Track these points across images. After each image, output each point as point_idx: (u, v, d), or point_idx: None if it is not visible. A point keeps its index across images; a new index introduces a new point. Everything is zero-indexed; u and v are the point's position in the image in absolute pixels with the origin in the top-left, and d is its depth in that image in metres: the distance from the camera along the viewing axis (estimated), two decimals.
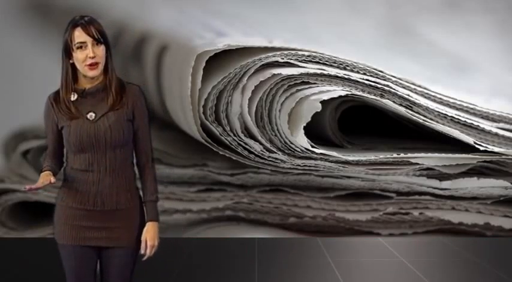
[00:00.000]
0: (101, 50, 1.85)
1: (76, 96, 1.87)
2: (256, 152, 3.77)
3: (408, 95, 3.84)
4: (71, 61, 1.86)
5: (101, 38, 1.85)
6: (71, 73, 1.87)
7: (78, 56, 1.84)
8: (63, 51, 1.86)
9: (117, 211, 1.91)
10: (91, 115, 1.86)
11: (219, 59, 3.64)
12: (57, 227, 1.92)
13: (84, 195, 1.88)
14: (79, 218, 1.88)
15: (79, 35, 1.84)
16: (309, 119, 3.62)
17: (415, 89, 3.91)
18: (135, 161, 1.98)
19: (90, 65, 1.83)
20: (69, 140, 1.86)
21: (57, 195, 1.94)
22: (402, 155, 3.86)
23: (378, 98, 3.78)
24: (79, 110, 1.86)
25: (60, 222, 1.91)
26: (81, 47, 1.83)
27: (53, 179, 1.81)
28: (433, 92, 3.94)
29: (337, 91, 3.71)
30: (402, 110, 3.82)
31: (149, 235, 1.93)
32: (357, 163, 3.86)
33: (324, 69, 3.72)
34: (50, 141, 1.92)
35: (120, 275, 1.94)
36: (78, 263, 1.90)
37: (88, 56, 1.83)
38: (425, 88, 3.93)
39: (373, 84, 3.79)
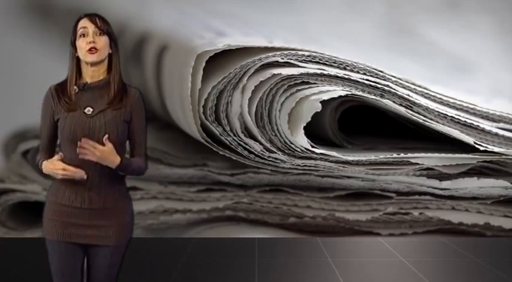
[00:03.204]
0: (102, 40, 1.88)
1: (77, 90, 1.89)
2: (256, 152, 3.77)
3: (408, 95, 3.84)
4: (76, 54, 1.89)
5: (103, 28, 1.88)
6: (76, 66, 1.90)
7: (80, 44, 1.87)
8: (70, 43, 1.90)
9: (105, 210, 1.90)
10: (88, 109, 1.88)
11: (219, 59, 3.64)
12: (44, 223, 1.94)
13: (72, 193, 1.88)
14: (66, 214, 1.89)
15: (82, 23, 1.88)
16: (309, 119, 3.62)
17: (415, 89, 3.90)
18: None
19: (90, 49, 1.85)
20: (63, 132, 1.88)
21: (48, 191, 1.96)
22: (402, 155, 3.86)
23: (378, 98, 3.78)
24: (78, 103, 1.88)
25: (48, 218, 1.93)
26: (83, 35, 1.87)
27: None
28: (433, 92, 3.94)
29: (337, 91, 3.70)
30: (402, 110, 3.81)
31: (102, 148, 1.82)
32: (357, 163, 3.86)
33: (324, 69, 3.72)
34: (44, 134, 1.94)
35: (106, 274, 1.94)
36: (63, 259, 1.90)
37: (88, 41, 1.85)
38: (425, 88, 3.93)
39: (373, 84, 3.79)
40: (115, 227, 1.92)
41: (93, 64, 1.88)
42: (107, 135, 1.81)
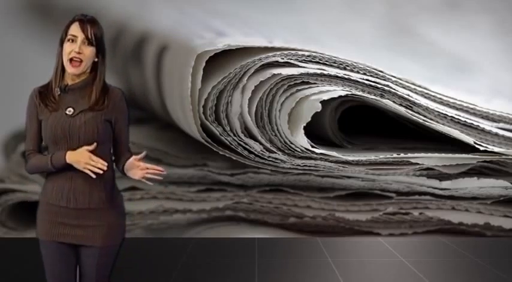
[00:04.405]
0: (89, 51, 1.87)
1: (59, 92, 1.90)
2: (256, 152, 3.77)
3: (408, 95, 3.84)
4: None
5: (93, 40, 1.87)
6: (61, 67, 1.90)
7: (66, 48, 1.87)
8: (59, 42, 1.90)
9: (90, 210, 1.91)
10: (69, 110, 1.89)
11: (219, 59, 3.64)
12: (37, 223, 1.95)
13: (58, 192, 1.89)
14: (55, 214, 1.90)
15: (74, 29, 1.87)
16: (309, 119, 3.62)
17: (415, 89, 3.90)
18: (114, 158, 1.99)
19: (73, 60, 1.85)
20: (45, 133, 1.89)
21: (41, 190, 1.97)
22: (402, 155, 3.86)
23: (378, 98, 3.78)
24: (59, 104, 1.89)
25: (40, 218, 1.94)
26: (71, 41, 1.86)
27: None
28: (433, 92, 3.94)
29: (337, 91, 3.70)
30: (402, 110, 3.81)
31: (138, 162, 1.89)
32: (357, 163, 3.86)
33: (324, 69, 3.72)
34: (33, 134, 1.93)
35: (95, 274, 1.94)
36: (55, 259, 1.91)
37: (74, 50, 1.85)
38: (425, 88, 3.93)
39: (373, 84, 3.79)
40: (102, 227, 1.91)
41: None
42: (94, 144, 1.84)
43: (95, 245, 1.91)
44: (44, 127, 1.89)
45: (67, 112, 1.88)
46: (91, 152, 1.84)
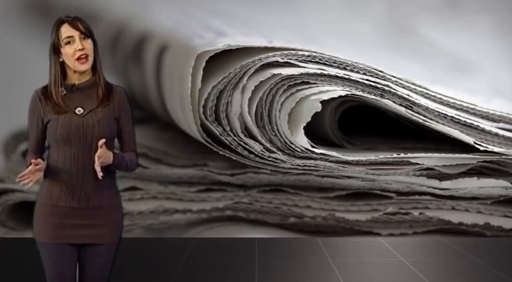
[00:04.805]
0: (88, 43, 1.91)
1: (65, 92, 1.91)
2: (256, 152, 3.77)
3: (408, 95, 3.84)
4: (60, 59, 1.91)
5: (87, 32, 1.91)
6: (60, 69, 1.91)
7: (67, 51, 1.89)
8: (51, 49, 1.92)
9: (100, 209, 1.92)
10: (79, 110, 1.90)
11: (219, 59, 3.64)
12: (37, 226, 1.93)
13: (68, 193, 1.89)
14: (62, 216, 1.90)
15: (66, 31, 1.90)
16: (309, 119, 3.62)
17: (415, 89, 3.90)
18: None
19: (80, 58, 1.88)
20: (56, 133, 1.89)
21: (38, 193, 1.95)
22: (402, 155, 3.86)
23: (378, 98, 3.78)
24: (67, 104, 1.90)
25: (41, 221, 1.92)
26: (69, 43, 1.89)
27: (40, 164, 1.82)
28: (433, 92, 3.94)
29: (337, 91, 3.70)
30: (402, 110, 3.81)
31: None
32: (357, 163, 3.86)
33: (324, 69, 3.72)
34: (32, 136, 1.94)
35: (102, 272, 1.96)
36: (60, 261, 1.91)
37: (77, 49, 1.88)
38: (425, 88, 3.93)
39: (373, 84, 3.79)
40: (109, 224, 1.95)
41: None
42: (103, 140, 1.83)
43: (104, 242, 1.93)
44: (54, 128, 1.89)
45: (77, 112, 1.90)
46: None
